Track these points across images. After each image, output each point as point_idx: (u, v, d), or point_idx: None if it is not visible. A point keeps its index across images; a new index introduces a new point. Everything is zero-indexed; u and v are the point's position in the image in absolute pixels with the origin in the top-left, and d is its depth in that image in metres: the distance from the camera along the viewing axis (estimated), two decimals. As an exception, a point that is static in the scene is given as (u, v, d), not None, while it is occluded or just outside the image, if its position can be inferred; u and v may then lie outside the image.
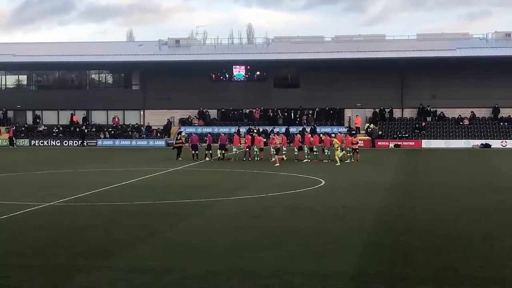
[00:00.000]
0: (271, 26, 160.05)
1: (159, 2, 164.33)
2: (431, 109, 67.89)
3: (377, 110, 68.72)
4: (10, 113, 75.38)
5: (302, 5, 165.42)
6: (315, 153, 45.94)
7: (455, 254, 16.35)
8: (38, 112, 74.33)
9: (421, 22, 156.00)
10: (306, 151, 46.10)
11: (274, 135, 47.15)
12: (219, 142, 47.55)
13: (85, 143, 67.43)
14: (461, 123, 66.56)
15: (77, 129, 70.47)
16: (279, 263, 15.42)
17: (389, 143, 63.96)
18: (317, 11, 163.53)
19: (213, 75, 71.26)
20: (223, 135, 49.64)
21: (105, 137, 68.97)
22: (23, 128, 72.91)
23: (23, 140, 69.50)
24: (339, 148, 43.78)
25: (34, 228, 20.07)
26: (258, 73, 70.39)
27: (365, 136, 65.01)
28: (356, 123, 67.88)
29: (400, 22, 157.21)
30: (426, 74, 67.95)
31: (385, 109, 68.81)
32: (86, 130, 69.83)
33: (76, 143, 68.17)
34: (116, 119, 72.52)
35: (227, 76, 71.25)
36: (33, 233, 19.18)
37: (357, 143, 46.48)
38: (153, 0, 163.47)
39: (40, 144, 68.89)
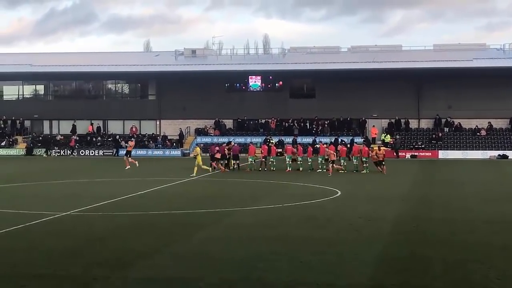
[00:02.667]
0: (287, 37, 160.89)
1: (180, 13, 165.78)
2: (450, 120, 67.53)
3: (394, 120, 68.50)
4: (27, 123, 75.80)
5: (322, 16, 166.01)
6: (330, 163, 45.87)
7: (472, 266, 16.22)
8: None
9: (440, 33, 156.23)
10: (320, 161, 46.12)
11: (290, 145, 47.33)
12: (232, 152, 47.60)
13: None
14: (478, 133, 66.17)
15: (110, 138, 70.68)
16: (294, 274, 15.38)
17: (405, 153, 63.65)
18: (335, 22, 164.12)
19: (229, 85, 71.35)
20: (236, 145, 49.69)
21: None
22: (40, 138, 73.28)
23: (40, 149, 69.84)
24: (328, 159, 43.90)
25: (50, 238, 20.14)
26: (279, 83, 70.43)
27: (381, 146, 64.67)
28: (372, 134, 67.65)
29: (419, 33, 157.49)
30: (443, 85, 67.60)
31: (402, 120, 68.57)
32: (120, 140, 69.62)
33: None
34: (134, 129, 72.74)
35: (243, 86, 71.32)
36: (50, 243, 19.24)
37: (382, 155, 45.59)
38: (175, 11, 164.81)
39: (57, 153, 69.17)
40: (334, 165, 43.94)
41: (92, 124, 73.90)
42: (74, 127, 72.93)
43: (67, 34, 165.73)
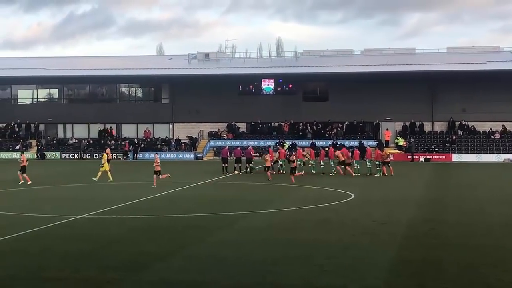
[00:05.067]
0: (300, 40, 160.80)
1: (198, 17, 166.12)
2: (464, 123, 67.27)
3: (407, 123, 68.32)
4: (41, 127, 76.16)
5: (338, 19, 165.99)
6: (342, 166, 45.88)
7: (486, 269, 16.16)
8: (100, 126, 74.67)
9: (455, 36, 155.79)
10: (332, 165, 46.15)
11: (302, 149, 47.31)
12: (244, 156, 47.70)
13: (136, 156, 67.75)
14: (492, 136, 65.88)
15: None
16: (308, 277, 15.37)
17: (419, 156, 63.48)
18: (351, 25, 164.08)
19: (242, 89, 71.42)
20: (248, 148, 49.72)
21: (169, 150, 69.36)
22: (54, 141, 73.62)
23: (54, 153, 70.16)
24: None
25: (64, 241, 20.23)
26: (291, 86, 70.40)
27: (394, 149, 64.63)
28: (386, 137, 67.48)
29: (434, 36, 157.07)
30: (457, 88, 67.36)
31: (415, 123, 68.38)
32: (138, 144, 69.86)
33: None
34: (148, 132, 72.92)
35: (256, 89, 71.35)
36: (64, 246, 19.33)
37: (388, 156, 45.72)
38: (193, 15, 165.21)
39: (71, 157, 69.46)
40: (347, 167, 44.03)
41: (111, 128, 74.23)
42: (110, 130, 73.46)
43: (84, 38, 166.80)
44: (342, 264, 16.67)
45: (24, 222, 23.67)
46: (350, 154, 46.61)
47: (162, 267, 16.47)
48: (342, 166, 45.01)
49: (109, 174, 41.10)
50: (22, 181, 38.41)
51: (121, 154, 68.61)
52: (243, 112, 70.86)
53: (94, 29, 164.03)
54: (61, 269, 16.39)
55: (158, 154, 42.12)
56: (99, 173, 40.98)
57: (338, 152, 45.69)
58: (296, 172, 40.91)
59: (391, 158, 47.22)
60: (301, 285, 14.75)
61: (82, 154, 69.50)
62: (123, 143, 71.60)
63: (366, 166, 45.52)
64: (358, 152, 47.58)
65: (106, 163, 41.87)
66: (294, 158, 42.10)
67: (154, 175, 37.25)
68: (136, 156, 68.13)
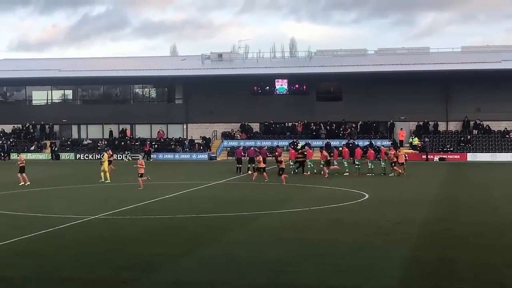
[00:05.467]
0: (314, 40, 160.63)
1: (212, 18, 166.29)
2: (478, 122, 66.93)
3: (422, 123, 68.08)
4: (56, 127, 76.48)
5: (352, 19, 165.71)
6: (356, 166, 45.84)
7: (502, 269, 16.06)
8: (112, 127, 74.99)
9: (470, 35, 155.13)
10: (346, 165, 46.08)
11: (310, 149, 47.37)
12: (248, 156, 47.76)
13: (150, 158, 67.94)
14: (507, 136, 65.50)
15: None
16: (322, 277, 15.33)
17: (434, 156, 63.23)
18: (365, 24, 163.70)
19: (255, 89, 71.41)
20: (262, 149, 49.70)
21: (183, 151, 69.55)
22: (68, 142, 73.92)
23: (69, 154, 70.43)
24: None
25: (79, 241, 20.29)
26: (305, 87, 70.30)
27: (409, 149, 64.43)
28: (400, 136, 67.27)
29: (449, 35, 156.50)
30: (471, 87, 67.00)
31: (430, 122, 68.12)
32: (151, 146, 70.01)
33: (120, 156, 68.75)
34: (161, 133, 73.06)
35: (269, 89, 71.29)
36: (79, 246, 19.38)
37: (397, 156, 45.36)
38: (207, 16, 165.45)
39: (85, 157, 69.70)
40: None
41: (125, 129, 74.47)
42: (123, 131, 73.84)
43: (99, 39, 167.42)
44: (356, 264, 16.61)
45: (38, 222, 23.77)
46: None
47: (176, 268, 16.48)
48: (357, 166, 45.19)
49: (107, 174, 41.09)
50: (22, 183, 38.31)
51: (137, 155, 68.62)
52: (257, 112, 70.85)
53: (108, 31, 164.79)
54: (75, 269, 16.43)
55: (142, 156, 41.52)
56: (102, 174, 41.10)
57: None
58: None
59: (406, 158, 46.96)
60: (315, 286, 14.71)
61: (96, 155, 69.65)
62: (137, 143, 71.74)
63: (380, 166, 45.36)
64: (373, 152, 47.41)
65: (106, 163, 41.87)
66: (282, 159, 41.87)
67: (139, 178, 36.63)
68: (150, 156, 68.24)
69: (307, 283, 14.86)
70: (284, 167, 41.13)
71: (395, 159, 44.32)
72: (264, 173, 40.92)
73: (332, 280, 15.12)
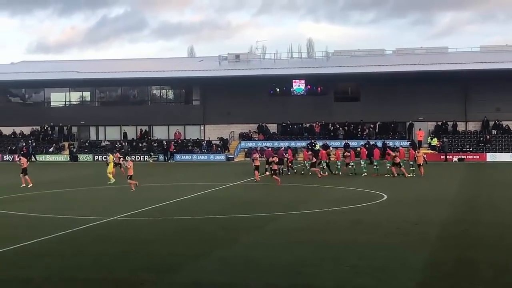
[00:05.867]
0: (331, 40, 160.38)
1: (230, 19, 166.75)
2: (498, 122, 66.48)
3: (440, 123, 67.74)
4: (74, 129, 76.86)
5: (370, 19, 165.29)
6: (375, 167, 45.68)
7: (523, 271, 15.94)
8: (125, 128, 75.40)
9: (489, 35, 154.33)
10: (363, 165, 45.93)
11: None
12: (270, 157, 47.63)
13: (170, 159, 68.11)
14: (527, 136, 65.05)
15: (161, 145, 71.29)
16: (341, 278, 15.29)
17: (453, 156, 62.90)
18: (383, 24, 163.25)
19: (273, 90, 71.37)
20: (280, 149, 49.64)
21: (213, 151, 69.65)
22: (86, 144, 74.27)
23: (87, 155, 70.74)
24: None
25: (97, 242, 20.37)
26: (322, 87, 70.15)
27: (428, 150, 64.14)
28: (418, 137, 66.93)
29: (467, 35, 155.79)
30: (490, 87, 66.52)
31: (448, 122, 67.77)
32: (174, 148, 70.21)
33: (137, 158, 69.05)
34: (178, 134, 73.20)
35: (287, 90, 71.21)
36: (97, 247, 19.46)
37: (416, 157, 45.02)
38: (225, 17, 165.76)
39: (103, 159, 69.89)
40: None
41: (142, 130, 74.72)
42: (145, 132, 74.05)
43: (117, 41, 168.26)
44: (375, 265, 16.54)
45: (58, 224, 23.89)
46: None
47: (194, 269, 16.49)
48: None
49: (110, 175, 41.02)
50: (24, 184, 38.10)
51: (156, 156, 68.85)
52: (274, 113, 70.79)
53: (126, 32, 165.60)
54: (95, 270, 16.50)
55: (130, 158, 40.74)
56: (110, 175, 41.06)
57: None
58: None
59: (425, 159, 46.61)
60: (333, 287, 14.67)
61: (167, 156, 69.75)
62: (155, 144, 71.89)
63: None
64: (390, 152, 47.19)
65: (111, 164, 41.86)
66: (277, 160, 41.58)
67: (129, 180, 35.95)
68: (173, 157, 68.42)
69: (325, 285, 14.81)
70: (276, 168, 40.78)
71: (398, 160, 43.86)
72: (275, 176, 40.36)
73: (350, 281, 15.07)
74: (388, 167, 44.79)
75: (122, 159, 43.74)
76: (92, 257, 18.03)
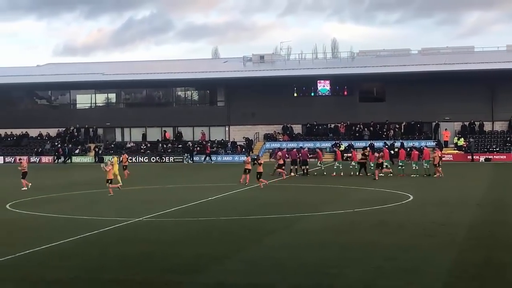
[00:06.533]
0: (356, 41, 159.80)
1: (255, 20, 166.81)
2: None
3: (467, 123, 67.19)
4: (99, 131, 77.37)
5: (396, 19, 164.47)
6: (399, 167, 45.40)
7: (551, 272, 15.72)
8: (142, 129, 75.83)
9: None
10: (386, 165, 45.72)
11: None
12: (299, 158, 47.54)
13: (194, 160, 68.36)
14: (555, 135, 64.32)
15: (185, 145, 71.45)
16: (366, 280, 15.18)
17: (479, 157, 62.37)
18: (409, 24, 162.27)
19: (297, 90, 71.25)
20: (304, 150, 49.53)
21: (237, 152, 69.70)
22: (112, 145, 74.68)
23: (112, 157, 70.88)
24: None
25: (123, 243, 20.44)
26: (347, 88, 69.94)
27: (454, 150, 63.67)
28: (445, 137, 66.48)
29: (494, 34, 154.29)
30: (517, 86, 65.95)
31: (475, 122, 67.21)
32: (193, 147, 70.37)
33: (163, 159, 69.39)
34: (202, 135, 73.33)
35: (312, 91, 71.06)
36: (123, 248, 19.53)
37: (379, 158, 43.77)
38: (250, 18, 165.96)
39: (129, 160, 70.11)
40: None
41: (165, 131, 75.00)
42: (180, 134, 74.30)
43: (143, 43, 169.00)
44: (401, 267, 16.42)
45: (84, 225, 24.01)
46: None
47: (219, 270, 16.48)
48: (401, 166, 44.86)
49: (118, 178, 40.51)
50: (25, 188, 37.82)
51: (180, 158, 69.10)
52: (299, 114, 70.69)
53: (152, 34, 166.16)
54: (121, 271, 16.55)
55: (111, 161, 38.93)
56: (118, 177, 40.56)
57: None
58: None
59: (441, 159, 45.87)
60: (359, 288, 14.58)
61: (139, 158, 70.30)
62: (180, 146, 72.11)
63: (423, 167, 44.89)
64: (417, 152, 46.91)
65: (116, 166, 41.63)
66: (262, 162, 39.68)
67: (108, 184, 34.63)
68: (193, 159, 68.62)
69: (350, 286, 14.73)
70: (262, 171, 38.44)
71: (381, 161, 43.07)
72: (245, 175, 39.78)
73: (375, 283, 14.96)
74: (425, 166, 44.45)
75: (112, 160, 41.54)
76: (117, 258, 18.09)
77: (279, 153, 45.65)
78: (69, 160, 70.35)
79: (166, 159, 69.42)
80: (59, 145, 72.71)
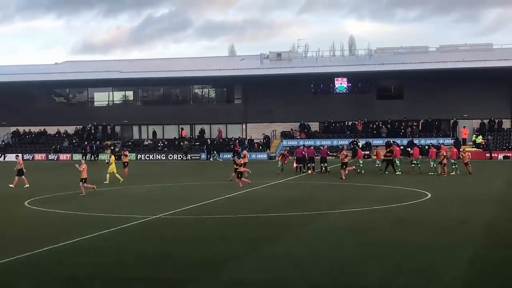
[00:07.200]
0: (373, 38, 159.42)
1: (274, 17, 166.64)
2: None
3: (485, 121, 66.74)
4: (117, 128, 77.62)
5: (414, 16, 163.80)
6: (412, 165, 45.13)
7: None
8: (154, 127, 76.11)
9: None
10: (397, 164, 45.48)
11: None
12: (319, 155, 47.35)
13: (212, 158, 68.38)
14: None
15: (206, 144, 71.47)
16: (384, 278, 15.08)
17: (498, 154, 61.93)
18: (427, 22, 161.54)
19: (315, 88, 71.07)
20: (323, 148, 49.33)
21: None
22: (129, 143, 74.89)
23: (129, 154, 71.07)
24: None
25: (141, 241, 20.45)
26: (365, 85, 69.70)
27: (472, 147, 63.28)
28: (463, 135, 66.07)
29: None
30: (537, 83, 65.44)
31: (494, 120, 66.74)
32: (210, 145, 70.43)
33: (179, 156, 69.51)
34: (219, 132, 73.40)
35: (329, 88, 70.87)
36: (141, 246, 19.53)
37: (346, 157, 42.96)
38: (269, 15, 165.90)
39: (146, 158, 70.48)
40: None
41: (182, 129, 75.11)
42: (202, 130, 74.31)
43: (161, 41, 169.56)
44: (420, 264, 16.30)
45: (101, 222, 24.07)
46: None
47: (236, 267, 16.44)
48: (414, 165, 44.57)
49: (117, 175, 40.60)
50: (28, 185, 37.87)
51: (197, 155, 69.20)
52: (316, 112, 70.56)
53: (170, 32, 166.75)
54: (138, 269, 16.55)
55: (84, 160, 38.24)
56: (108, 175, 40.69)
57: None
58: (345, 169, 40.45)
59: (446, 157, 45.24)
60: (377, 286, 14.48)
61: (157, 155, 70.43)
62: (197, 143, 72.19)
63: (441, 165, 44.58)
64: (435, 150, 46.61)
65: (113, 164, 41.71)
66: (242, 162, 38.49)
67: (81, 184, 33.64)
68: (210, 157, 68.64)
69: (369, 284, 14.63)
70: (243, 170, 37.61)
71: (346, 160, 42.27)
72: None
73: (394, 281, 14.86)
74: (455, 167, 44.05)
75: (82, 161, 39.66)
76: (135, 255, 18.09)
77: (344, 152, 44.64)
78: (96, 158, 70.60)
79: (184, 157, 69.38)
80: (87, 143, 72.91)
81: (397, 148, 48.07)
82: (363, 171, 45.11)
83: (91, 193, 34.46)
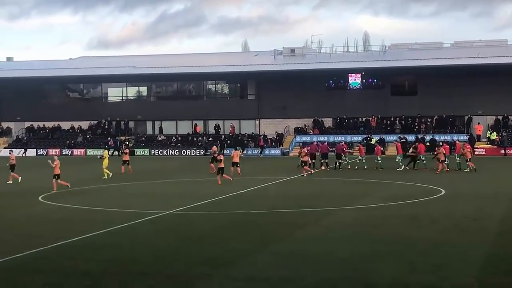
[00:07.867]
0: (388, 34, 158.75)
1: (288, 13, 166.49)
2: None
3: (500, 117, 66.37)
4: (131, 124, 77.82)
5: (431, 11, 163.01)
6: (418, 161, 44.99)
7: None
8: (162, 123, 76.23)
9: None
10: (398, 160, 45.35)
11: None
12: (335, 151, 47.23)
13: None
14: None
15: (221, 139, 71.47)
16: (397, 275, 15.05)
17: (512, 151, 61.63)
18: (443, 17, 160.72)
19: (328, 84, 70.93)
20: (339, 144, 49.19)
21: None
22: (143, 138, 75.07)
23: (143, 150, 71.48)
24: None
25: (154, 236, 20.50)
26: (377, 81, 69.46)
27: (487, 144, 62.96)
28: (477, 131, 65.75)
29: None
30: (552, 79, 64.99)
31: (508, 116, 66.36)
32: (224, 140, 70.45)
33: (193, 152, 69.60)
34: (232, 128, 73.39)
35: (343, 84, 70.69)
36: (153, 241, 19.59)
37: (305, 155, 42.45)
38: (283, 11, 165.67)
39: (159, 153, 70.64)
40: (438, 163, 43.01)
41: (196, 124, 75.18)
42: (217, 126, 74.48)
43: (176, 36, 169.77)
44: (433, 261, 16.25)
45: (115, 217, 24.17)
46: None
47: (248, 263, 16.46)
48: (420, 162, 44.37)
49: (105, 171, 40.49)
50: (12, 181, 37.90)
51: (209, 152, 69.17)
52: (330, 107, 70.45)
53: (185, 28, 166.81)
54: (151, 264, 16.59)
55: (56, 157, 36.55)
56: (105, 171, 40.72)
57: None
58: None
59: (445, 153, 44.70)
60: (390, 283, 14.44)
61: (171, 151, 70.56)
62: (210, 139, 72.23)
63: (455, 161, 44.41)
64: (448, 146, 46.38)
65: (106, 159, 41.68)
66: (222, 158, 37.64)
67: (54, 180, 33.21)
68: (224, 152, 68.59)
69: (382, 280, 14.60)
70: (223, 166, 36.46)
71: (306, 158, 42.20)
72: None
73: (407, 277, 14.82)
74: (458, 161, 43.84)
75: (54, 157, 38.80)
76: (148, 251, 18.14)
77: (304, 150, 44.43)
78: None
79: (197, 152, 69.43)
80: (110, 138, 73.10)
81: (422, 145, 47.84)
82: (382, 168, 44.94)
83: (107, 188, 34.59)
